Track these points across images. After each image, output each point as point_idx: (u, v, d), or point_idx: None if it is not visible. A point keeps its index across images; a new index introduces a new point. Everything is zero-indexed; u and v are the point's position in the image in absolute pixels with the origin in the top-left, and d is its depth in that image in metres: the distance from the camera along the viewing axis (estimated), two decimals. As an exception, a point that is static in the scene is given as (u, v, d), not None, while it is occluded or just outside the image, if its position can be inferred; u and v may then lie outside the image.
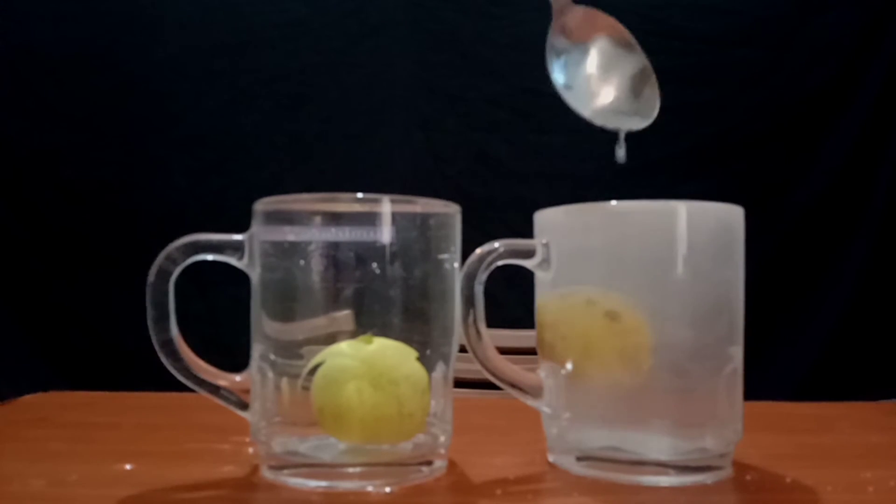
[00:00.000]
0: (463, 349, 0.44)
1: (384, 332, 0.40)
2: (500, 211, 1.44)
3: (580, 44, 0.45)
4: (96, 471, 0.43)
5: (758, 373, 0.53)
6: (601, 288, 0.42)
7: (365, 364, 0.39)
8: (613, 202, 0.42)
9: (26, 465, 0.44)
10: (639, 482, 0.40)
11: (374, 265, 0.40)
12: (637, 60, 0.44)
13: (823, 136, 1.51)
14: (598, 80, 0.44)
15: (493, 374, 0.44)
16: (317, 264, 0.40)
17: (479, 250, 0.43)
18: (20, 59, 1.51)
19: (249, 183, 1.47)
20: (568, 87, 0.44)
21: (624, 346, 0.41)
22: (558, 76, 0.44)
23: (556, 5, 0.45)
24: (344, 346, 0.40)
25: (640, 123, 0.42)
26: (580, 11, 0.45)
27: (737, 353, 0.43)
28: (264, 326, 0.42)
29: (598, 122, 0.42)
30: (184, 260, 0.41)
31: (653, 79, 0.44)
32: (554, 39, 0.44)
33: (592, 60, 0.45)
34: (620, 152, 0.42)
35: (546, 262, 0.44)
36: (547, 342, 0.44)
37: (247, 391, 0.43)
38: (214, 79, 1.52)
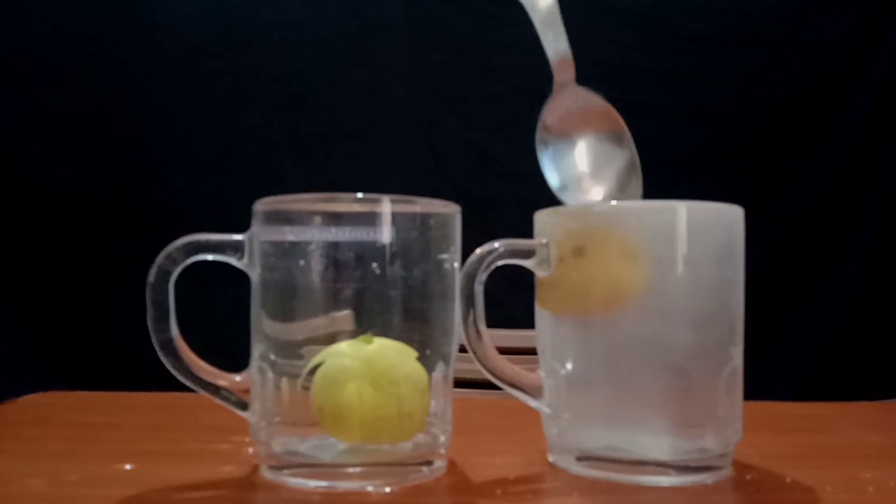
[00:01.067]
0: (463, 349, 0.44)
1: (384, 332, 0.40)
2: (500, 211, 1.44)
3: (568, 140, 0.46)
4: (96, 471, 0.43)
5: (758, 373, 0.53)
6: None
7: (365, 364, 0.39)
8: (613, 202, 0.42)
9: (26, 465, 0.44)
10: (639, 482, 0.41)
11: (374, 265, 0.40)
12: (626, 154, 0.45)
13: (823, 136, 1.51)
14: (589, 178, 0.45)
15: (493, 374, 0.44)
16: (317, 264, 0.40)
17: (479, 250, 0.43)
18: (20, 59, 1.51)
19: (249, 183, 1.47)
20: (562, 189, 0.45)
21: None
22: (552, 179, 0.45)
23: (557, 80, 0.45)
24: (344, 346, 0.40)
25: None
26: (570, 100, 0.45)
27: (737, 353, 0.43)
28: (264, 326, 0.42)
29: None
30: (184, 260, 0.41)
31: (638, 171, 0.45)
32: (543, 133, 0.45)
33: (582, 157, 0.45)
34: None
35: (546, 262, 0.44)
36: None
37: (247, 391, 0.43)
38: (214, 79, 1.52)
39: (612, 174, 0.46)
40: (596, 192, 0.46)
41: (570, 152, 0.45)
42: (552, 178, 0.46)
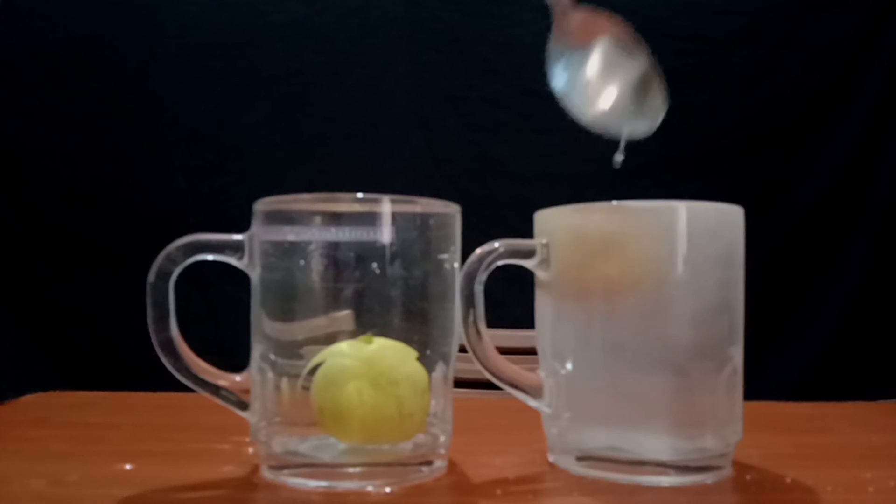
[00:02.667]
0: (463, 349, 0.44)
1: (384, 332, 0.40)
2: (500, 211, 1.44)
3: (581, 47, 0.44)
4: (96, 471, 0.43)
5: (758, 373, 0.53)
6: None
7: (365, 364, 0.39)
8: (613, 202, 0.42)
9: (26, 465, 0.44)
10: (639, 482, 0.41)
11: (374, 265, 0.40)
12: (640, 64, 0.44)
13: (824, 136, 1.51)
14: (597, 84, 0.44)
15: (493, 374, 0.44)
16: (317, 264, 0.40)
17: (479, 250, 0.43)
18: (20, 59, 1.51)
19: (249, 183, 1.47)
20: (567, 92, 0.44)
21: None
22: (558, 80, 0.44)
23: (556, 7, 0.44)
24: (344, 346, 0.40)
25: (641, 128, 0.41)
26: (582, 13, 0.44)
27: (737, 353, 0.43)
28: (264, 326, 0.42)
29: (598, 127, 0.41)
30: (184, 260, 0.41)
31: (657, 82, 0.44)
32: (555, 43, 0.44)
33: (593, 64, 0.44)
34: (618, 157, 0.42)
35: (546, 262, 0.44)
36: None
37: (247, 391, 0.43)
38: (214, 79, 1.52)
39: (625, 82, 0.45)
40: (605, 98, 0.45)
41: (582, 59, 0.44)
42: (559, 80, 0.44)
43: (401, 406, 0.39)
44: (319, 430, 0.40)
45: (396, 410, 0.39)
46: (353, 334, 0.40)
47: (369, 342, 0.40)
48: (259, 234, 0.42)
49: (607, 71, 0.44)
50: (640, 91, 0.44)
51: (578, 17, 0.44)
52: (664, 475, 0.41)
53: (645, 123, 0.44)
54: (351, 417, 0.39)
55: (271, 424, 0.42)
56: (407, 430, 0.40)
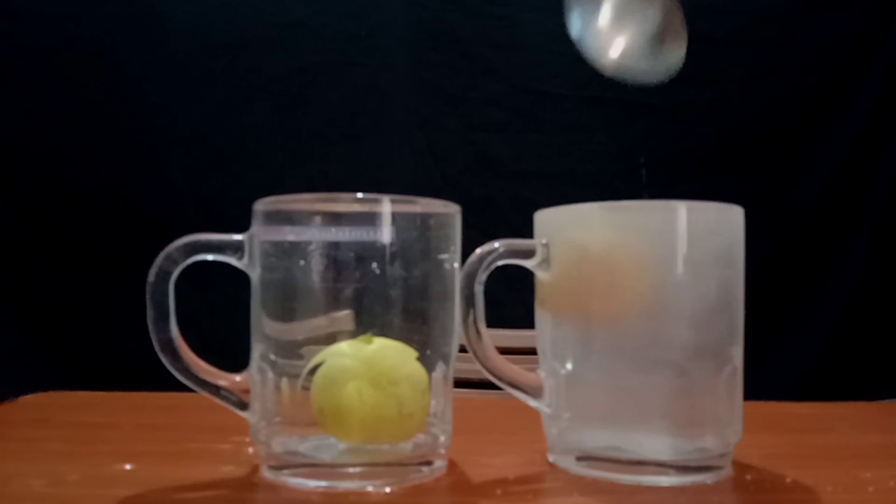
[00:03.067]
0: (463, 349, 0.44)
1: (384, 332, 0.40)
2: (500, 211, 1.44)
3: None
4: (96, 471, 0.43)
5: (758, 373, 0.53)
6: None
7: (365, 364, 0.39)
8: (613, 202, 0.42)
9: (26, 465, 0.44)
10: (639, 482, 0.41)
11: (374, 265, 0.40)
12: (656, 17, 0.43)
13: (823, 136, 1.51)
14: (612, 29, 0.44)
15: (493, 374, 0.44)
16: (317, 264, 0.40)
17: (479, 250, 0.43)
18: (20, 59, 1.51)
19: (249, 183, 1.47)
20: (583, 37, 0.43)
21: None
22: (574, 26, 0.43)
23: None
24: (344, 346, 0.40)
25: (658, 72, 0.40)
26: None
27: (737, 353, 0.43)
28: (264, 326, 0.42)
29: (613, 71, 0.41)
30: (184, 260, 0.41)
31: (680, 36, 0.43)
32: None
33: (606, 11, 0.44)
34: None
35: (546, 262, 0.44)
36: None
37: (247, 391, 0.43)
38: (214, 79, 1.52)
39: (639, 32, 0.44)
40: (616, 46, 0.44)
41: (596, 5, 0.43)
42: (575, 26, 0.44)
43: (401, 406, 0.39)
44: (319, 430, 0.40)
45: (396, 410, 0.39)
46: (353, 334, 0.40)
47: (369, 342, 0.40)
48: (259, 234, 0.42)
49: (622, 16, 0.44)
50: (655, 37, 0.44)
51: None
52: (664, 475, 0.41)
53: (662, 67, 0.43)
54: (351, 417, 0.39)
55: (271, 424, 0.42)
56: (407, 430, 0.40)
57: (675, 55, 0.43)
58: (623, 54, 0.43)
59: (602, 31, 0.43)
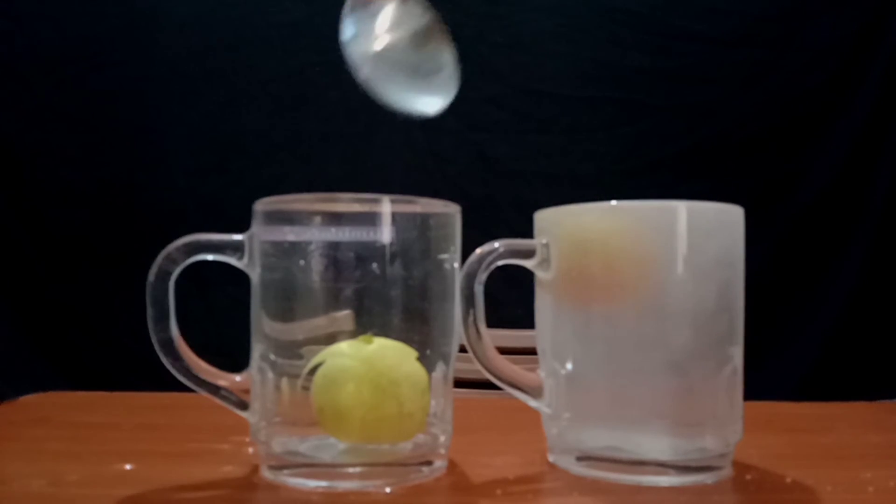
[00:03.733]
0: (463, 349, 0.44)
1: (384, 332, 0.40)
2: (500, 211, 1.44)
3: (366, 5, 0.45)
4: (96, 471, 0.43)
5: (758, 373, 0.53)
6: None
7: (365, 364, 0.39)
8: (613, 202, 0.42)
9: (26, 465, 0.44)
10: (639, 482, 0.40)
11: (374, 265, 0.40)
12: (421, 20, 0.45)
13: (823, 136, 1.51)
14: (379, 31, 0.45)
15: (493, 374, 0.44)
16: (317, 264, 0.40)
17: (479, 250, 0.43)
18: (20, 59, 1.51)
19: (249, 183, 1.47)
20: (351, 43, 0.44)
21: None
22: (346, 32, 0.44)
23: None
24: (344, 346, 0.40)
25: (427, 104, 0.41)
26: None
27: (737, 353, 0.43)
28: (264, 326, 0.42)
29: (373, 84, 0.41)
30: (184, 260, 0.41)
31: (442, 37, 0.44)
32: (351, 4, 0.45)
33: (382, 20, 0.45)
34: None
35: (546, 262, 0.44)
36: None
37: (247, 391, 0.43)
38: (214, 79, 1.52)
39: (405, 32, 0.45)
40: (380, 40, 0.45)
41: (369, 15, 0.45)
42: (348, 31, 0.45)
43: (401, 406, 0.39)
44: (319, 430, 0.40)
45: (396, 410, 0.39)
46: (353, 334, 0.40)
47: (369, 342, 0.40)
48: (259, 234, 0.42)
49: (391, 27, 0.45)
50: (419, 40, 0.45)
51: None
52: (664, 475, 0.41)
53: (430, 91, 0.45)
54: (351, 417, 0.39)
55: (271, 424, 0.42)
56: (407, 430, 0.40)
57: (441, 57, 0.44)
58: (390, 49, 0.44)
59: (373, 31, 0.44)
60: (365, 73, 0.42)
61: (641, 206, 0.42)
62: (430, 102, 0.38)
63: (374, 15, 0.44)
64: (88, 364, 1.49)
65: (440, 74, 0.43)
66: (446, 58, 0.43)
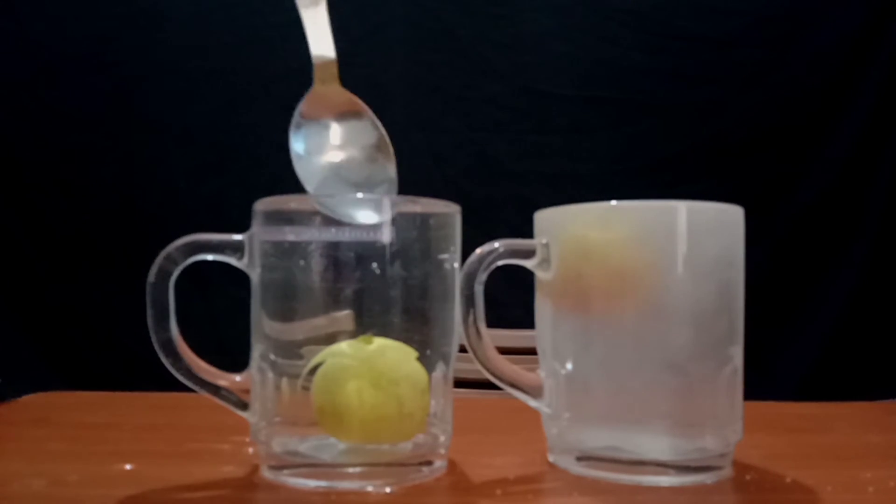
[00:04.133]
0: (463, 349, 0.44)
1: (384, 332, 0.40)
2: (500, 211, 1.44)
3: (318, 120, 0.47)
4: (96, 471, 0.43)
5: (758, 373, 0.53)
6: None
7: (365, 364, 0.39)
8: (613, 202, 0.42)
9: (26, 465, 0.44)
10: (639, 482, 0.41)
11: (374, 265, 0.40)
12: (373, 135, 0.46)
13: (824, 136, 1.51)
14: (332, 147, 0.46)
15: (493, 374, 0.44)
16: (317, 264, 0.40)
17: (479, 250, 0.43)
18: (20, 59, 1.51)
19: (249, 183, 1.46)
20: (306, 154, 0.46)
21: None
22: (298, 147, 0.46)
23: (318, 79, 0.47)
24: (344, 346, 0.40)
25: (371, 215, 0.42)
26: (326, 93, 0.47)
27: (737, 353, 0.43)
28: (264, 326, 0.42)
29: (318, 200, 0.42)
30: (184, 260, 0.41)
31: (388, 151, 0.46)
32: (298, 119, 0.47)
33: (328, 134, 0.47)
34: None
35: (546, 262, 0.44)
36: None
37: (247, 391, 0.43)
38: (214, 79, 1.52)
39: (356, 147, 0.47)
40: (334, 155, 0.47)
41: (319, 130, 0.46)
42: (298, 148, 0.47)
43: (401, 406, 0.39)
44: (319, 430, 0.40)
45: (396, 410, 0.39)
46: (353, 334, 0.40)
47: (369, 342, 0.40)
48: (259, 234, 0.42)
49: (341, 140, 0.47)
50: (371, 153, 0.47)
51: (322, 97, 0.47)
52: (664, 475, 0.41)
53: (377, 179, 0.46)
54: (351, 417, 0.39)
55: (271, 424, 0.42)
56: (407, 430, 0.40)
57: (384, 169, 0.46)
58: (344, 164, 0.45)
59: (324, 146, 0.46)
60: (314, 187, 0.44)
61: (641, 206, 0.42)
62: (370, 216, 0.40)
63: (324, 130, 0.46)
64: (88, 364, 1.49)
65: (383, 186, 0.45)
66: (391, 171, 0.45)
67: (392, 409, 0.39)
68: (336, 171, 0.45)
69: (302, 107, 0.47)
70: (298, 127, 0.46)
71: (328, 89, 0.46)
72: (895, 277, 1.49)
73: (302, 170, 0.45)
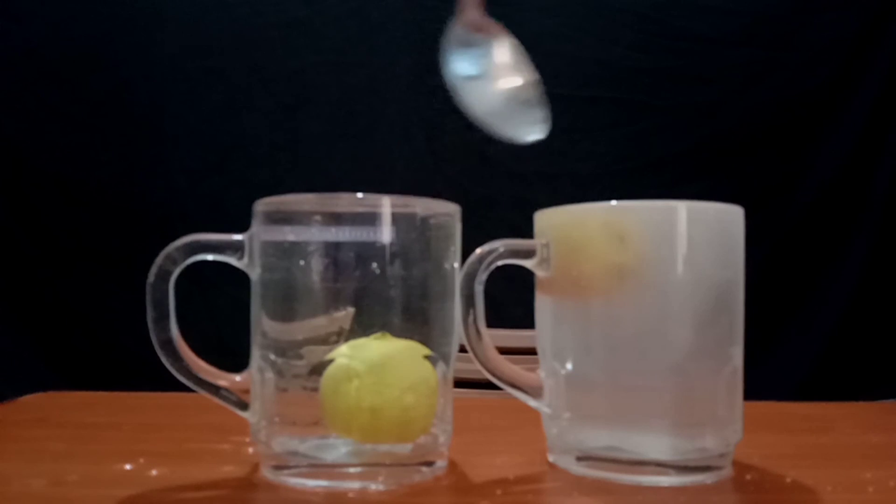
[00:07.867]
0: (463, 349, 0.44)
1: (384, 332, 0.40)
2: (500, 211, 1.44)
3: (487, 38, 0.46)
4: (96, 471, 0.43)
5: (758, 373, 0.53)
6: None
7: (371, 364, 0.39)
8: (613, 202, 0.42)
9: (26, 465, 0.44)
10: (639, 482, 0.41)
11: (374, 265, 0.40)
12: (518, 51, 0.45)
13: (823, 135, 1.51)
14: (507, 68, 0.45)
15: (493, 374, 0.44)
16: (317, 264, 0.40)
17: (479, 250, 0.43)
18: (20, 59, 1.51)
19: (249, 183, 1.47)
20: (472, 76, 0.44)
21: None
22: (464, 66, 0.44)
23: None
24: (353, 345, 0.40)
25: (530, 134, 0.41)
26: (483, 15, 0.45)
27: (737, 353, 0.43)
28: (264, 326, 0.42)
29: (485, 121, 0.41)
30: (184, 260, 0.41)
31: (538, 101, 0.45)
32: (458, 32, 0.45)
33: (501, 53, 0.45)
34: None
35: (546, 262, 0.44)
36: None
37: (247, 391, 0.43)
38: (214, 79, 1.52)
39: (521, 78, 0.46)
40: (514, 80, 0.45)
41: (487, 47, 0.45)
42: (460, 67, 0.45)
43: (405, 407, 0.39)
44: (319, 429, 0.40)
45: (402, 411, 0.39)
46: (353, 334, 0.40)
47: (381, 339, 0.40)
48: (259, 234, 0.42)
49: (514, 60, 0.45)
50: (523, 98, 0.45)
51: (480, 16, 0.45)
52: (664, 475, 0.41)
53: (535, 128, 0.45)
54: (358, 418, 0.39)
55: (271, 424, 0.42)
56: (412, 431, 0.40)
57: (540, 121, 0.45)
58: (521, 88, 0.44)
59: (499, 68, 0.44)
60: (484, 110, 0.42)
61: (641, 206, 0.42)
62: (536, 131, 0.39)
63: (487, 50, 0.44)
64: (88, 364, 1.49)
65: (538, 123, 0.44)
66: (543, 112, 0.44)
67: (396, 409, 0.39)
68: (514, 95, 0.44)
69: (462, 25, 0.45)
70: (458, 46, 0.44)
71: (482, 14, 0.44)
72: (895, 277, 1.50)
73: (471, 94, 0.43)
